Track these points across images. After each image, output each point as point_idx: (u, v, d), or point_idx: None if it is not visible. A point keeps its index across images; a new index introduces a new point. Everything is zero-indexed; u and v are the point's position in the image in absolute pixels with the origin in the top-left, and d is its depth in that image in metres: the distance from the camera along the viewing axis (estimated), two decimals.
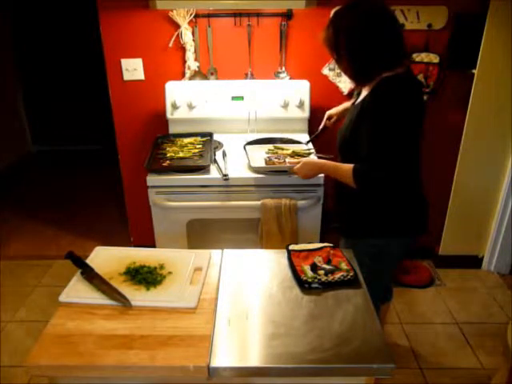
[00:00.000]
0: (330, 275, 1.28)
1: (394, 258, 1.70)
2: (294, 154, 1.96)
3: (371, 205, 1.53)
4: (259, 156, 1.96)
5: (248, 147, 2.03)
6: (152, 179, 1.90)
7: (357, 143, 1.44)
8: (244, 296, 1.24)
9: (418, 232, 1.60)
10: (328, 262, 1.35)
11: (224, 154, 2.06)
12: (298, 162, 1.67)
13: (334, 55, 1.45)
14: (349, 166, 1.44)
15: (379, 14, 1.37)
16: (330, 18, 1.43)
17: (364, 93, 1.50)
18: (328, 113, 2.01)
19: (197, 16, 2.23)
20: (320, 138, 2.06)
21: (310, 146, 2.09)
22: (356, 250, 1.45)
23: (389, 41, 1.37)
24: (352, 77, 1.48)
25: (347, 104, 1.92)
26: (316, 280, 1.26)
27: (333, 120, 2.00)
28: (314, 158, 1.91)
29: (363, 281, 1.29)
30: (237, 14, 2.23)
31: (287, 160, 1.87)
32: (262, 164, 1.90)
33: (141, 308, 1.18)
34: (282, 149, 2.02)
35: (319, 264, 1.33)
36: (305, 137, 2.22)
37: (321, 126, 2.03)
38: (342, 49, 1.40)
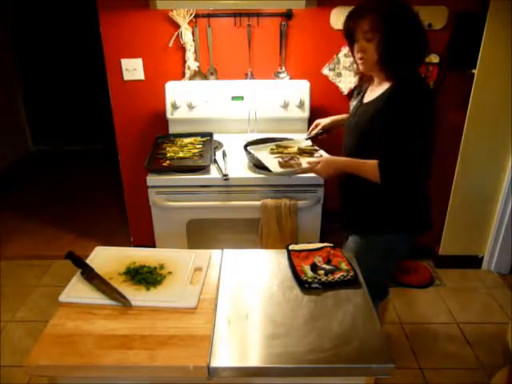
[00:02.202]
0: (330, 275, 1.28)
1: (400, 256, 1.71)
2: (301, 152, 1.88)
3: (382, 202, 1.54)
4: (265, 158, 1.85)
5: (250, 148, 1.94)
6: (152, 179, 1.90)
7: (372, 141, 1.45)
8: (244, 296, 1.24)
9: (424, 228, 1.61)
10: (328, 262, 1.35)
11: (224, 154, 2.06)
12: (318, 162, 1.59)
13: (368, 40, 1.39)
14: (374, 162, 1.43)
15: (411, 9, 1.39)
16: (366, 4, 1.39)
17: (374, 92, 1.50)
18: (317, 122, 1.95)
19: (197, 16, 2.23)
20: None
21: (310, 142, 2.05)
22: (362, 247, 1.45)
23: (422, 35, 1.40)
24: (379, 65, 1.43)
25: (336, 117, 1.91)
26: (316, 280, 1.26)
27: (317, 130, 1.93)
28: (325, 155, 1.81)
29: (363, 281, 1.29)
30: (237, 14, 2.23)
31: (305, 160, 1.72)
32: (278, 168, 1.75)
33: (141, 308, 1.18)
34: (286, 147, 1.94)
35: (319, 264, 1.33)
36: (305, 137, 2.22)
37: (309, 135, 1.97)
38: (381, 36, 1.36)
